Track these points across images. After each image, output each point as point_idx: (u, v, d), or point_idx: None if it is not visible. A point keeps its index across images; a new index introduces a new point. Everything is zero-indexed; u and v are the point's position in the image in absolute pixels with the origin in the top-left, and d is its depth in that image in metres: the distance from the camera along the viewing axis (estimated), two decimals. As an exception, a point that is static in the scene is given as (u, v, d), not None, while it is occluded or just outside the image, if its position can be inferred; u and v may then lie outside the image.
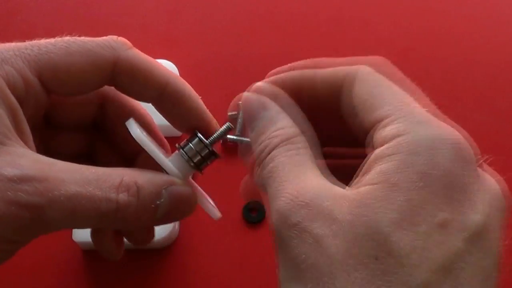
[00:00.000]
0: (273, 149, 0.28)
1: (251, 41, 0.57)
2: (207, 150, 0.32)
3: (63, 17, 0.59)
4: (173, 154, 0.32)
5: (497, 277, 0.24)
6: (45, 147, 0.31)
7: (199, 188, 0.35)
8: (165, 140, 0.35)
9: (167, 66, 0.54)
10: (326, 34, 0.57)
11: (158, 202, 0.29)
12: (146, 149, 0.30)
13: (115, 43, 0.31)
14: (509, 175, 0.52)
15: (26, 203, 0.25)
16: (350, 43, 0.57)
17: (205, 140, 0.32)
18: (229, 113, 0.55)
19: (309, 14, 0.58)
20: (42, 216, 0.26)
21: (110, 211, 0.27)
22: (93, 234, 0.34)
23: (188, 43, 0.58)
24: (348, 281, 0.23)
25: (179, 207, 0.31)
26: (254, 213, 0.51)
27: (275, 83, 0.32)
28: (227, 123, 0.31)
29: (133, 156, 0.35)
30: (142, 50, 0.57)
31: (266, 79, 0.32)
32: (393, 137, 0.25)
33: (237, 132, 0.53)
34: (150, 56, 0.56)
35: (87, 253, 0.50)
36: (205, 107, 0.33)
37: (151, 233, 0.36)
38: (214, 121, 0.35)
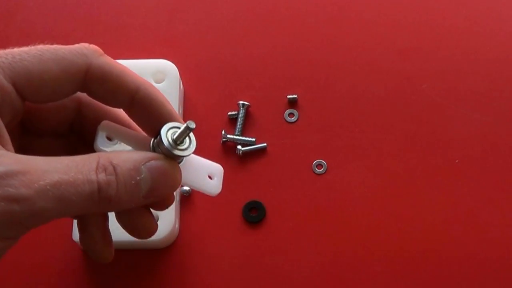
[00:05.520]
0: None
1: (251, 41, 0.57)
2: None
3: (63, 17, 0.59)
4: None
5: None
6: (24, 153, 0.32)
7: (198, 161, 0.35)
8: (145, 135, 0.35)
9: (167, 66, 0.54)
10: (327, 34, 0.57)
11: (138, 178, 0.30)
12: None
13: (87, 50, 0.32)
14: (510, 175, 0.52)
15: (15, 197, 0.26)
16: (350, 43, 0.57)
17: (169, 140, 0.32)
18: (229, 113, 0.55)
19: (309, 14, 0.58)
20: (32, 207, 0.26)
21: (94, 192, 0.28)
22: (81, 236, 0.35)
23: (188, 43, 0.58)
24: None
25: (162, 181, 0.31)
26: (254, 212, 0.51)
27: None
28: (188, 122, 0.31)
29: None
30: (142, 50, 0.57)
31: None
32: None
33: (237, 132, 0.53)
34: (151, 56, 0.56)
35: (87, 253, 0.50)
36: (175, 111, 0.34)
37: (152, 222, 0.36)
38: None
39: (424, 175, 0.52)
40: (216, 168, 0.35)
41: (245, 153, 0.53)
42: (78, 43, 0.61)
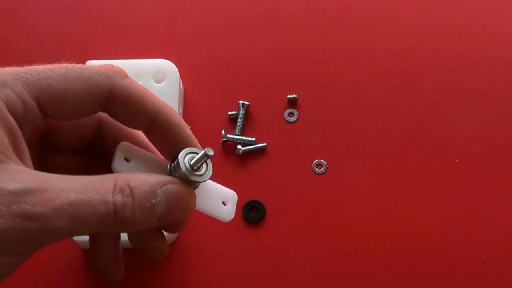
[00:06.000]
0: None
1: (251, 41, 0.57)
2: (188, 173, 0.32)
3: (63, 17, 0.59)
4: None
5: None
6: (42, 168, 0.32)
7: (212, 187, 0.35)
8: (163, 158, 0.35)
9: (167, 66, 0.54)
10: (327, 34, 0.57)
11: (154, 201, 0.30)
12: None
13: (111, 72, 0.32)
14: (510, 175, 0.52)
15: (31, 214, 0.26)
16: (350, 43, 0.57)
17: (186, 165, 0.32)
18: (229, 113, 0.55)
19: (309, 14, 0.58)
20: (47, 225, 0.27)
21: (109, 213, 0.28)
22: (93, 254, 0.35)
23: (188, 43, 0.58)
24: None
25: (177, 206, 0.31)
26: (254, 212, 0.51)
27: None
28: (206, 149, 0.32)
29: None
30: (142, 50, 0.57)
31: None
32: None
33: (236, 132, 0.53)
34: (150, 55, 0.56)
35: (87, 253, 0.50)
36: (193, 136, 0.34)
37: (164, 244, 0.36)
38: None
39: (424, 175, 0.52)
40: (230, 195, 0.36)
41: (245, 153, 0.53)
42: (77, 43, 0.61)
